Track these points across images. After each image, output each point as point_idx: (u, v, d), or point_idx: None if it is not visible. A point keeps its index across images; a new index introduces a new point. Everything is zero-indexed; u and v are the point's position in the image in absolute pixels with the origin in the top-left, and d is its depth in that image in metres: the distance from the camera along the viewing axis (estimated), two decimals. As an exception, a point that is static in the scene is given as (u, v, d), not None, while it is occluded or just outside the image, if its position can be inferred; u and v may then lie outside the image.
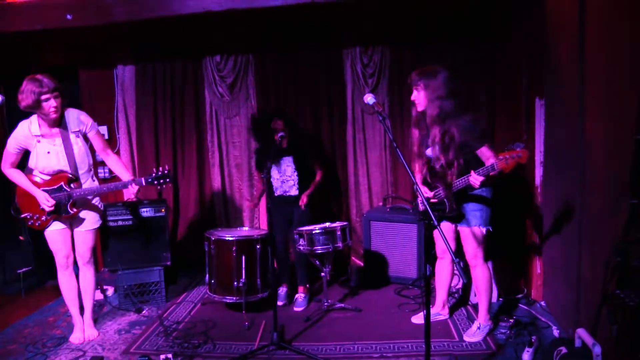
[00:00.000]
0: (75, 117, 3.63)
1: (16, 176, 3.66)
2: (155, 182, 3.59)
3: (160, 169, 3.61)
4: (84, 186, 3.72)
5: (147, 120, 5.57)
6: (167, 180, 3.60)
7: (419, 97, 3.49)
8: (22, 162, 3.71)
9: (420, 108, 3.52)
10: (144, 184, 3.60)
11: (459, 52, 4.99)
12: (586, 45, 3.08)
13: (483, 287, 3.65)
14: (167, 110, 5.56)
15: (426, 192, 3.62)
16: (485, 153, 3.41)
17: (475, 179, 3.20)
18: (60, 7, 4.44)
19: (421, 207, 3.85)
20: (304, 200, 4.47)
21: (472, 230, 3.54)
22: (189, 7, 4.34)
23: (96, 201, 3.87)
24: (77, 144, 3.63)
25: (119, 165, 3.89)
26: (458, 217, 3.58)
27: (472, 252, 3.59)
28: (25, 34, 4.62)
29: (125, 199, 3.91)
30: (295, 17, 4.73)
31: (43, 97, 3.36)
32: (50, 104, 3.40)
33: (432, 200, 3.58)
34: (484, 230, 3.55)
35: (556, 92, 3.75)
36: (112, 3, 4.40)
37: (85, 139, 3.71)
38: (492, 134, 5.04)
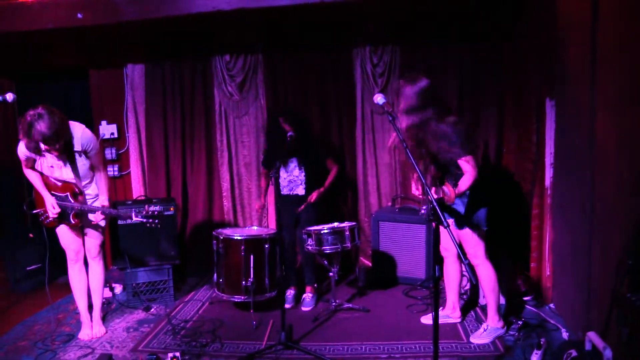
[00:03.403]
0: (80, 137, 3.56)
1: (32, 177, 3.71)
2: (144, 220, 3.57)
3: (152, 208, 3.58)
4: (87, 191, 3.77)
5: (157, 120, 5.59)
6: (157, 221, 3.58)
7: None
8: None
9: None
10: (133, 219, 3.57)
11: (468, 52, 4.97)
12: (598, 46, 3.05)
13: (489, 287, 3.62)
14: (176, 110, 5.57)
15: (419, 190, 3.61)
16: (463, 166, 3.35)
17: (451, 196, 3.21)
18: (71, 7, 4.46)
19: (423, 212, 3.82)
20: (313, 196, 4.43)
21: (464, 231, 3.54)
22: (198, 6, 4.34)
23: (99, 219, 3.83)
24: (80, 161, 3.64)
25: (102, 185, 3.85)
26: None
27: (470, 251, 3.59)
28: (36, 34, 4.64)
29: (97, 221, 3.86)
30: (304, 16, 4.73)
31: (43, 147, 3.33)
32: (52, 149, 3.37)
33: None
34: (476, 231, 3.54)
35: (567, 93, 3.72)
36: (122, 2, 4.41)
37: (87, 156, 3.68)
38: (501, 134, 5.02)
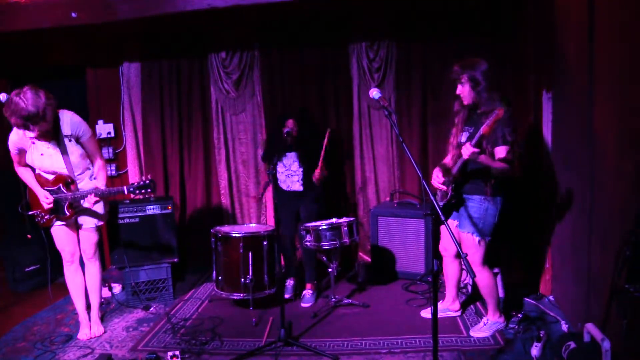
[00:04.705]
0: (69, 122, 3.56)
1: (24, 174, 3.70)
2: (137, 191, 3.50)
3: (143, 177, 3.54)
4: (80, 186, 3.73)
5: (154, 118, 5.58)
6: (149, 190, 3.51)
7: (464, 91, 3.46)
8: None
9: (465, 102, 3.48)
10: (125, 192, 3.54)
11: (465, 47, 4.93)
12: (595, 40, 3.04)
13: (486, 290, 3.63)
14: (173, 107, 5.56)
15: (438, 179, 3.55)
16: (500, 152, 3.31)
17: (467, 149, 3.10)
18: (66, 5, 4.44)
19: (438, 195, 3.75)
20: (316, 175, 4.38)
21: (466, 235, 3.52)
22: (194, 3, 4.33)
23: (97, 207, 3.80)
24: (71, 148, 3.61)
25: (100, 173, 3.83)
26: (456, 206, 3.55)
27: (469, 257, 3.54)
28: (32, 33, 4.63)
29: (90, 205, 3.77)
30: (300, 12, 4.71)
31: (30, 123, 3.29)
32: (40, 127, 3.34)
33: (440, 188, 3.53)
34: (478, 238, 3.50)
35: (564, 87, 3.72)
36: (117, 0, 4.40)
37: (79, 142, 3.66)
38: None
